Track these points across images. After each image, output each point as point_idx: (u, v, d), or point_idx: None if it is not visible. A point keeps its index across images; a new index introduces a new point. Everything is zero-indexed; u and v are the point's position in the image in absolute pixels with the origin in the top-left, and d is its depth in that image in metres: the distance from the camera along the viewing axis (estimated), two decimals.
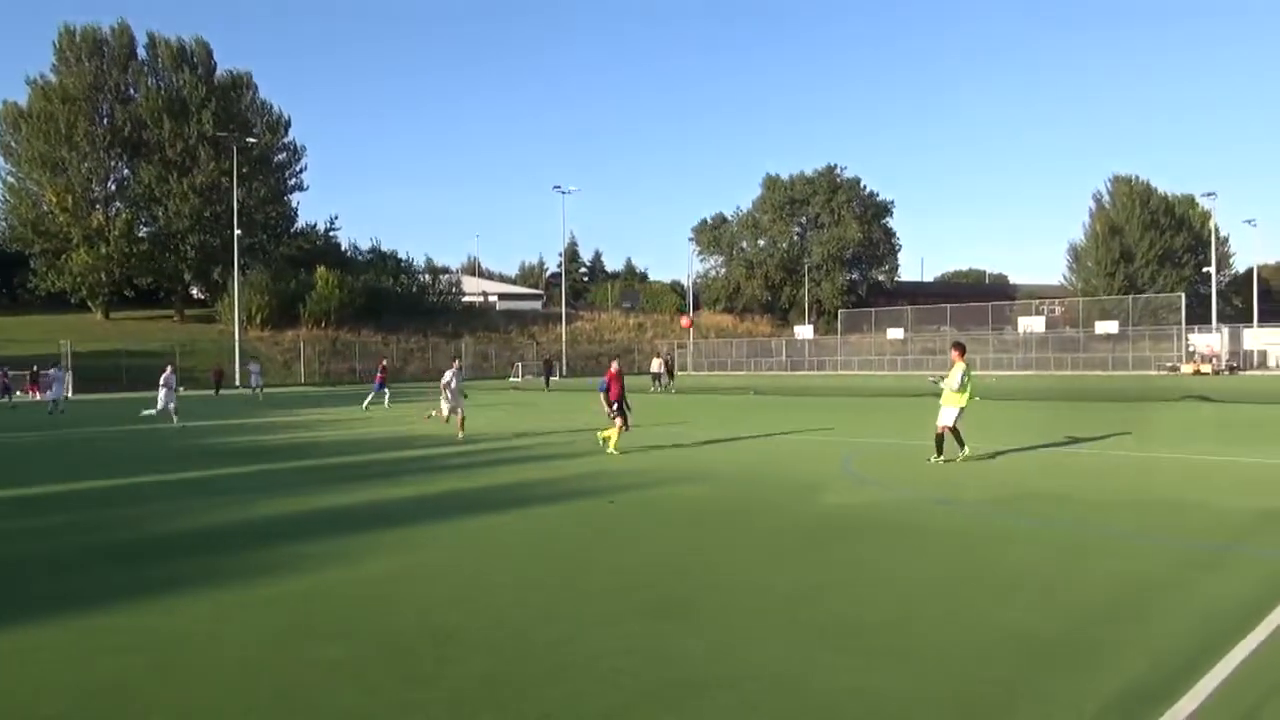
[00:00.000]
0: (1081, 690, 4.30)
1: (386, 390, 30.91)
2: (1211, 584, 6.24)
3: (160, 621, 5.75)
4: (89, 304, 68.10)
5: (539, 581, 6.65)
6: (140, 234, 68.64)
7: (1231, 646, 4.82)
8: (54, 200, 64.31)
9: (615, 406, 15.24)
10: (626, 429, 15.31)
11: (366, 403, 29.63)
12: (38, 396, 46.22)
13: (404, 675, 4.65)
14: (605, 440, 15.26)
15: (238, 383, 51.93)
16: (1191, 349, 62.31)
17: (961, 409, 13.35)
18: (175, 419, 23.18)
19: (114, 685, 4.62)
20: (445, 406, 19.13)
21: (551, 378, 47.35)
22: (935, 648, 4.95)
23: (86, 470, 14.48)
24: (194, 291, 75.72)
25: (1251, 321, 70.31)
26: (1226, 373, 56.59)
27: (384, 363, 33.37)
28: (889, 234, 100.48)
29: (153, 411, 23.43)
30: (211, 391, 45.42)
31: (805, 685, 4.43)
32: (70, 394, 48.25)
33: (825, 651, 4.91)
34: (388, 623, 5.62)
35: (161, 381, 23.54)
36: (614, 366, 15.84)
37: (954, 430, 13.23)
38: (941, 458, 13.04)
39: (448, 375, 19.19)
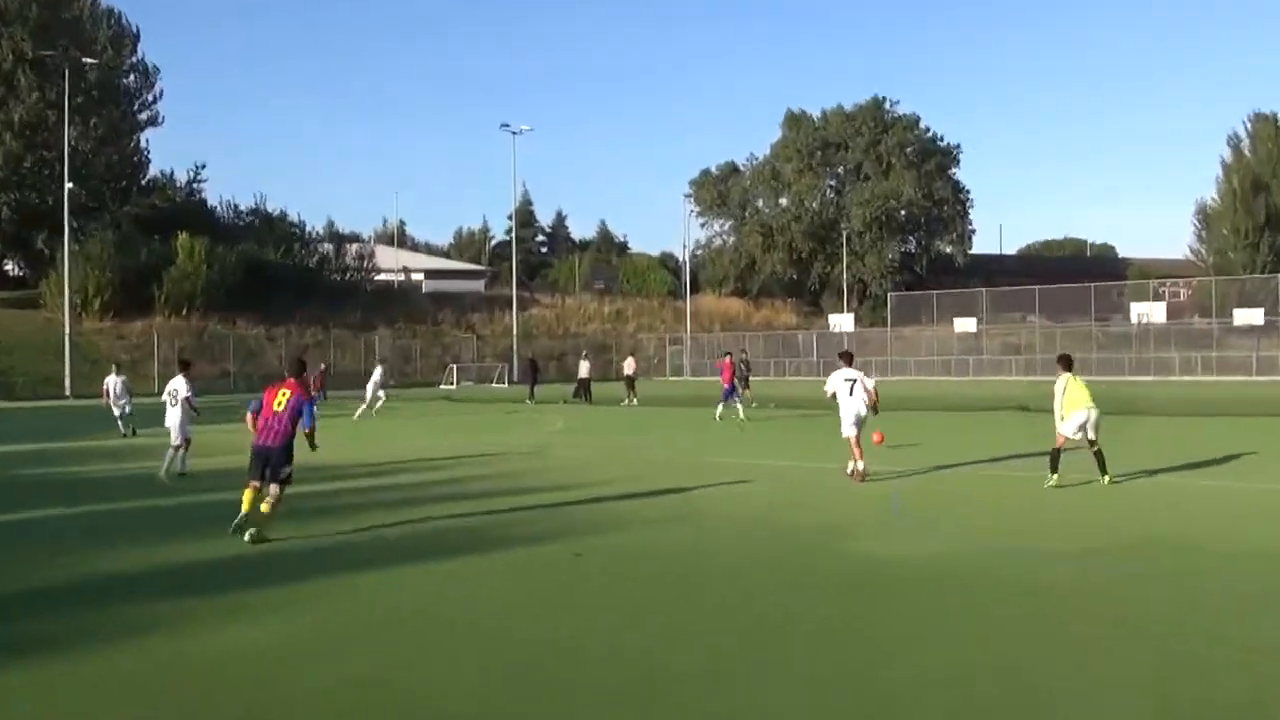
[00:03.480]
0: None
1: (737, 395, 30.77)
2: None
3: None
4: None
5: (479, 656, 6.72)
6: None
7: None
8: None
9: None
10: None
11: (718, 413, 29.62)
12: None
13: None
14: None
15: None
16: None
17: (1086, 420, 14.20)
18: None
19: None
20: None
21: (537, 386, 47.01)
22: None
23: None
24: (9, 267, 75.01)
25: None
26: None
27: (730, 358, 33.16)
28: (957, 191, 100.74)
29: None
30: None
31: None
32: None
33: None
34: (264, 702, 5.70)
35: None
36: None
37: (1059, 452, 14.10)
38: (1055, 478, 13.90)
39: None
